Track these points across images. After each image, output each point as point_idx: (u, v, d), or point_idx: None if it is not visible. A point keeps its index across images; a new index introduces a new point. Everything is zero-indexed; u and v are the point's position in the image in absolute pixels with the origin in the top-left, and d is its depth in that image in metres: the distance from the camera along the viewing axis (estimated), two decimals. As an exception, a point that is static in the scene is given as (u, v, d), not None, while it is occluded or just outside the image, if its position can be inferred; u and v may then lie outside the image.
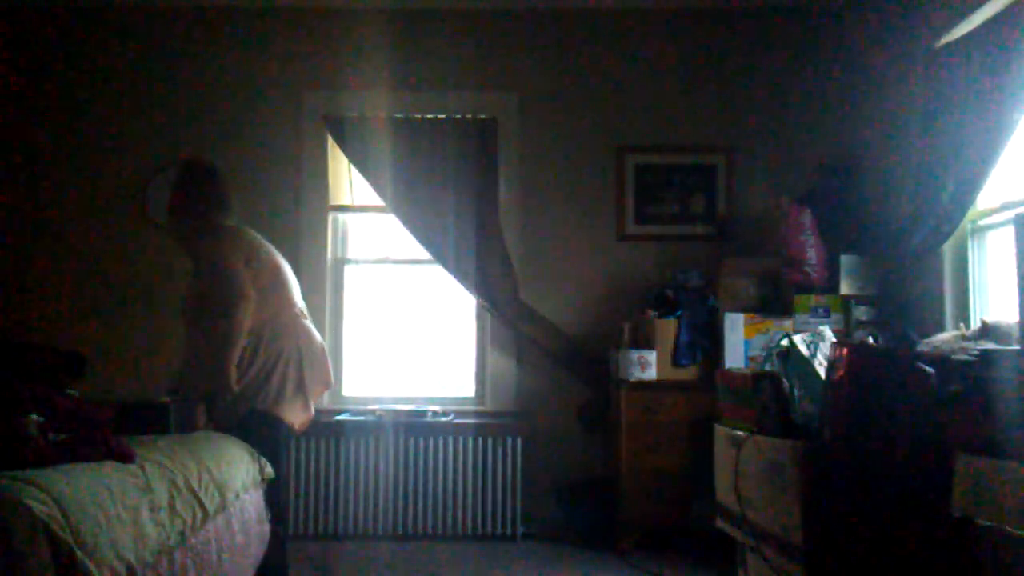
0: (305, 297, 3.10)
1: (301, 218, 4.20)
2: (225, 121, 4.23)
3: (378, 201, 4.17)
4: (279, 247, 3.08)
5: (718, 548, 3.19)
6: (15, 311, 4.11)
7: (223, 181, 2.99)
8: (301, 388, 2.93)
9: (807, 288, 3.57)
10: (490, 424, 3.95)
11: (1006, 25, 2.78)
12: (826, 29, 4.18)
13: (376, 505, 3.83)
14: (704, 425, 3.22)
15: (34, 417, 1.70)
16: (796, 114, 4.21)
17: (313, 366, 2.98)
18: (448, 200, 4.12)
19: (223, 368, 2.71)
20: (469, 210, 4.14)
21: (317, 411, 4.01)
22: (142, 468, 1.88)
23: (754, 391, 2.62)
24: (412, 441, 3.87)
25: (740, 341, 3.57)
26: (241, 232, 2.95)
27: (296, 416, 2.94)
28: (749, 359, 3.52)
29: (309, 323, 3.06)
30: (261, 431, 2.79)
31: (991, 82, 2.82)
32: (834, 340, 2.57)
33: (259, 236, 3.00)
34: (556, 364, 4.13)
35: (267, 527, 2.68)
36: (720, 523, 2.86)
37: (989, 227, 3.12)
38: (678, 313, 3.71)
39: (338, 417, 3.92)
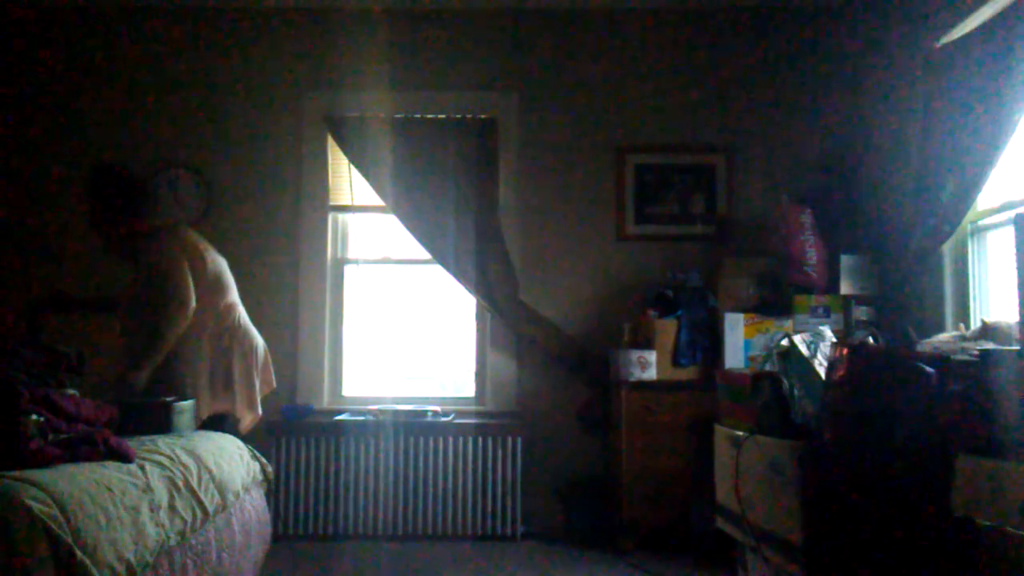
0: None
1: (301, 218, 4.20)
2: (226, 121, 4.23)
3: (378, 201, 4.17)
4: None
5: (718, 548, 3.19)
6: (15, 311, 4.10)
7: (132, 183, 2.88)
8: (250, 386, 2.93)
9: (807, 288, 3.57)
10: (490, 424, 3.95)
11: (1006, 25, 2.78)
12: (827, 29, 4.18)
13: (376, 505, 3.83)
14: (704, 425, 3.22)
15: (34, 417, 1.70)
16: (796, 114, 4.20)
17: (258, 365, 2.99)
18: (448, 200, 4.12)
19: (140, 364, 2.66)
20: (469, 210, 4.14)
21: (317, 411, 4.06)
22: (142, 468, 1.87)
23: (754, 391, 2.62)
24: (412, 441, 3.87)
25: (740, 341, 3.57)
26: (181, 231, 2.88)
27: (244, 414, 2.95)
28: (749, 359, 3.53)
29: (249, 323, 3.05)
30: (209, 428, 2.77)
31: (991, 82, 2.82)
32: (834, 340, 2.57)
33: (199, 234, 2.94)
34: (556, 364, 4.13)
35: (267, 527, 2.68)
36: (720, 523, 2.86)
37: (989, 227, 3.12)
38: (678, 313, 3.71)
39: (338, 417, 3.92)
